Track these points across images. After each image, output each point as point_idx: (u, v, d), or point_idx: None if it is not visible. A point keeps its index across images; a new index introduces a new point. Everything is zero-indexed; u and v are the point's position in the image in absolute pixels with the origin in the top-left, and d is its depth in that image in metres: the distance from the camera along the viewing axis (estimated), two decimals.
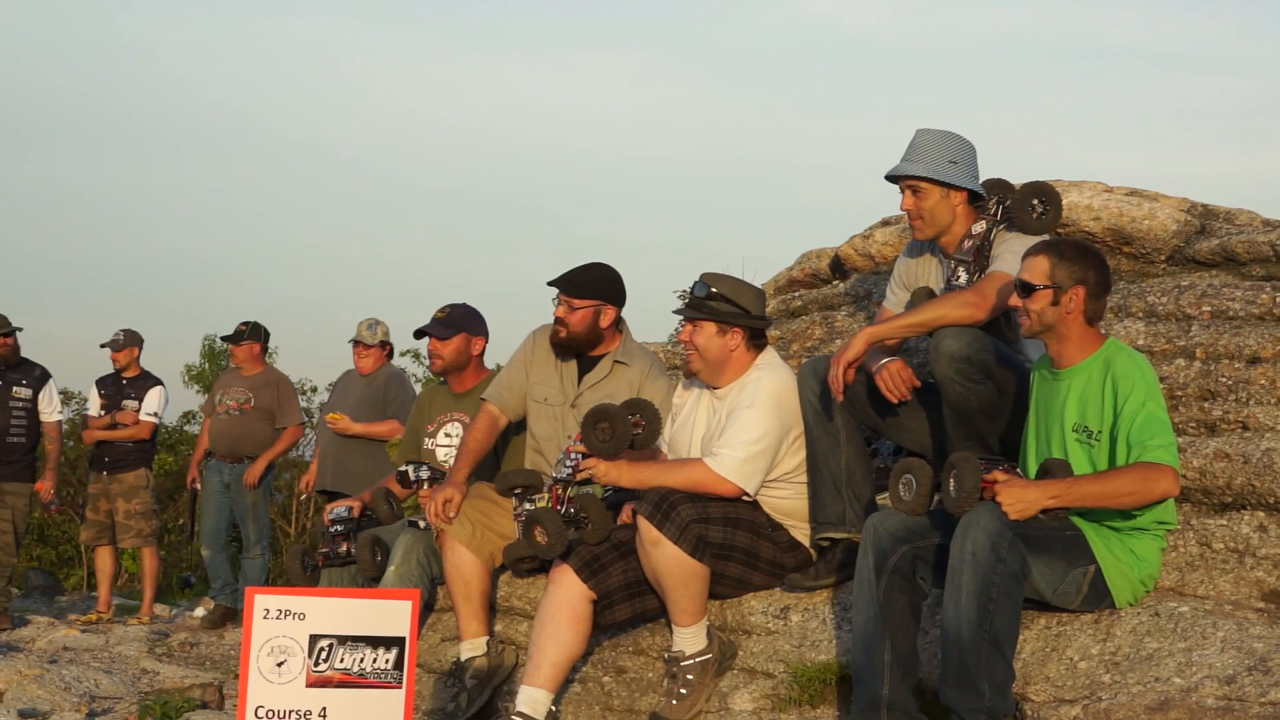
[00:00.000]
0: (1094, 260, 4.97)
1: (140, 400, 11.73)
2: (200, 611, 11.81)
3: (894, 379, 5.50)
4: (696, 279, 5.92)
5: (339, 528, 6.95)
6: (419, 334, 7.31)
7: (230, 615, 11.34)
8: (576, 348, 6.45)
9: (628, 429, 5.71)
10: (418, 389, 11.48)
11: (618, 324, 6.49)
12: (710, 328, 5.87)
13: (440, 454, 7.20)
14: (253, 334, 11.56)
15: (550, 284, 6.43)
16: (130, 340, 11.82)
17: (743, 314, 5.86)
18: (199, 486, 12.04)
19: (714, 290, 5.86)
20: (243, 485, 11.32)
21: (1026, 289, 4.95)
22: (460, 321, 7.23)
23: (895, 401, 5.53)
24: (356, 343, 10.18)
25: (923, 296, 5.77)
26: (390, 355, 10.39)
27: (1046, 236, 5.60)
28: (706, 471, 5.70)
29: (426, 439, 7.32)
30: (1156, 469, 4.68)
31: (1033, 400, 5.13)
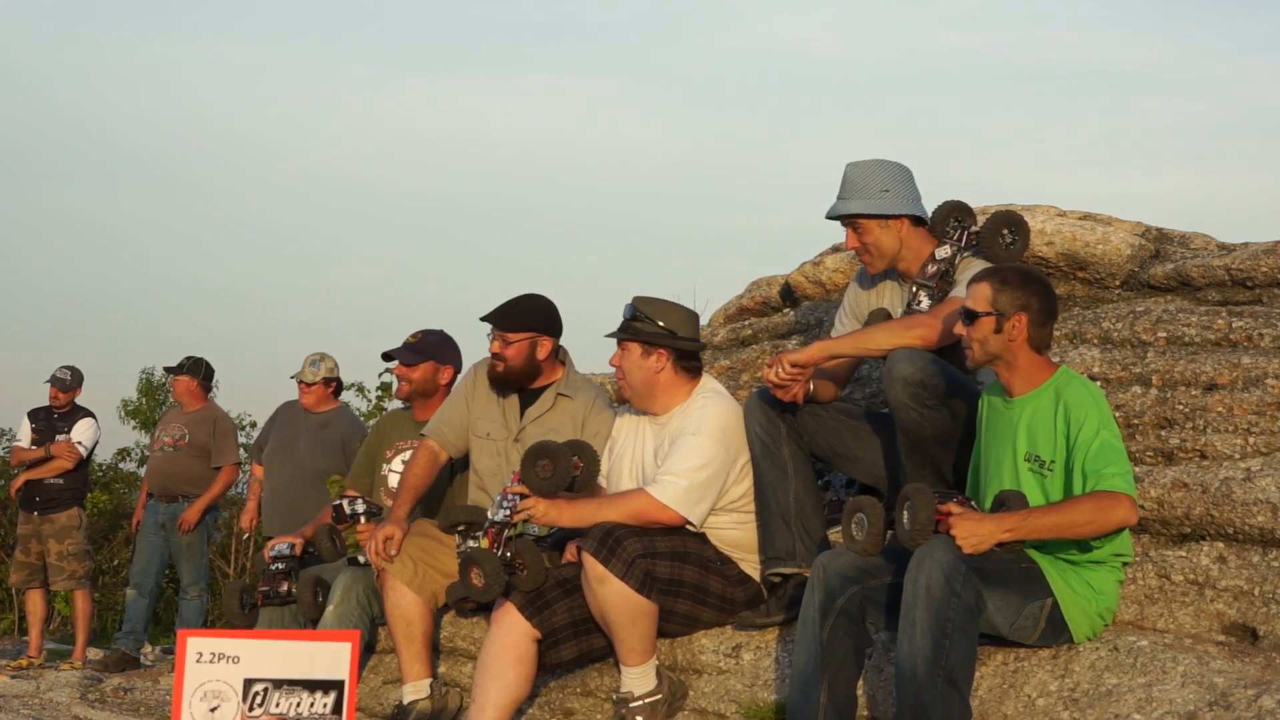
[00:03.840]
0: (1038, 287, 4.98)
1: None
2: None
3: (781, 365, 5.54)
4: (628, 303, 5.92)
5: (280, 566, 6.86)
6: (387, 357, 7.31)
7: (126, 663, 11.19)
8: (515, 382, 6.42)
9: (569, 467, 5.66)
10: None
11: (557, 354, 6.46)
12: (635, 349, 5.86)
13: (394, 480, 7.15)
14: (192, 369, 11.46)
15: (483, 319, 6.41)
16: (78, 381, 11.73)
17: (667, 335, 5.83)
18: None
19: (640, 311, 5.86)
20: (176, 523, 11.22)
21: (970, 316, 4.96)
22: (430, 349, 7.22)
23: (786, 399, 5.58)
24: (300, 380, 10.04)
25: (880, 317, 5.80)
26: (338, 391, 10.28)
27: None
28: (648, 500, 5.66)
29: (384, 464, 7.27)
30: (1113, 497, 4.68)
31: (981, 428, 5.13)
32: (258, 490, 10.86)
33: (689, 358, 5.89)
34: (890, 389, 5.35)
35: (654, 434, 5.90)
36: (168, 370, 11.71)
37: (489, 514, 5.78)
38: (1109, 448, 4.75)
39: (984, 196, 6.43)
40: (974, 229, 5.74)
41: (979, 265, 5.56)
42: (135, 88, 47.91)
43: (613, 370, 6.03)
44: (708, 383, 5.94)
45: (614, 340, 5.92)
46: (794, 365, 5.54)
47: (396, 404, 7.95)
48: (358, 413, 14.91)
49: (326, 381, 10.07)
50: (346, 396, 22.12)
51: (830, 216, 5.80)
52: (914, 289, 5.69)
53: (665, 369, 5.85)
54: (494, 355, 6.40)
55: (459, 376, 6.69)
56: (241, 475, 12.77)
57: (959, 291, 5.50)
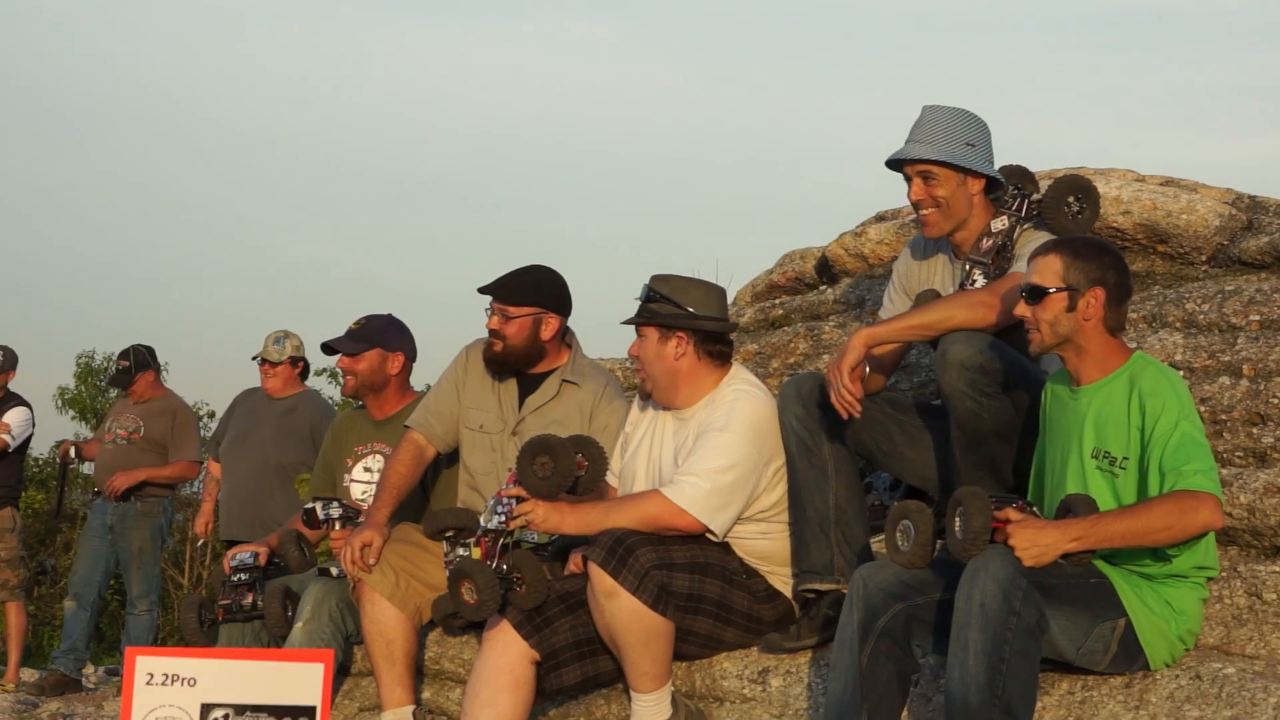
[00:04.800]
0: (1112, 258, 4.98)
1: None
2: None
3: (840, 376, 5.48)
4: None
5: (243, 576, 6.88)
6: (327, 349, 7.26)
7: (66, 685, 11.19)
8: (515, 364, 6.41)
9: (571, 465, 5.64)
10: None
11: (564, 336, 6.46)
12: (652, 335, 5.86)
13: (357, 491, 7.15)
14: (139, 364, 11.43)
15: (482, 290, 6.40)
16: (10, 363, 11.71)
17: (685, 315, 5.83)
18: (72, 453, 11.99)
19: (655, 291, 5.85)
20: (125, 525, 11.21)
21: (1036, 294, 4.93)
22: (374, 335, 7.19)
23: (844, 417, 5.52)
24: (263, 360, 10.08)
25: (929, 300, 5.77)
26: (305, 374, 10.31)
27: None
28: (663, 503, 5.66)
29: (344, 474, 7.27)
30: (1194, 498, 4.66)
31: (1044, 421, 5.13)
32: (215, 490, 10.87)
33: (714, 340, 5.88)
34: (944, 374, 5.34)
35: (675, 430, 5.90)
36: (120, 371, 11.66)
37: (481, 520, 5.78)
38: (1190, 441, 4.73)
39: (1052, 159, 6.44)
40: (1035, 197, 5.73)
41: (1042, 237, 5.54)
42: (72, 40, 47.95)
43: (627, 356, 6.04)
44: (740, 374, 5.92)
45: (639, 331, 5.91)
46: (853, 370, 5.49)
47: None
48: (331, 401, 14.94)
49: (293, 361, 10.08)
50: (319, 384, 22.24)
51: (901, 159, 5.67)
52: (967, 266, 5.67)
53: (686, 354, 5.84)
54: (492, 332, 6.39)
55: (451, 361, 6.68)
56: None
57: (1019, 267, 5.49)
